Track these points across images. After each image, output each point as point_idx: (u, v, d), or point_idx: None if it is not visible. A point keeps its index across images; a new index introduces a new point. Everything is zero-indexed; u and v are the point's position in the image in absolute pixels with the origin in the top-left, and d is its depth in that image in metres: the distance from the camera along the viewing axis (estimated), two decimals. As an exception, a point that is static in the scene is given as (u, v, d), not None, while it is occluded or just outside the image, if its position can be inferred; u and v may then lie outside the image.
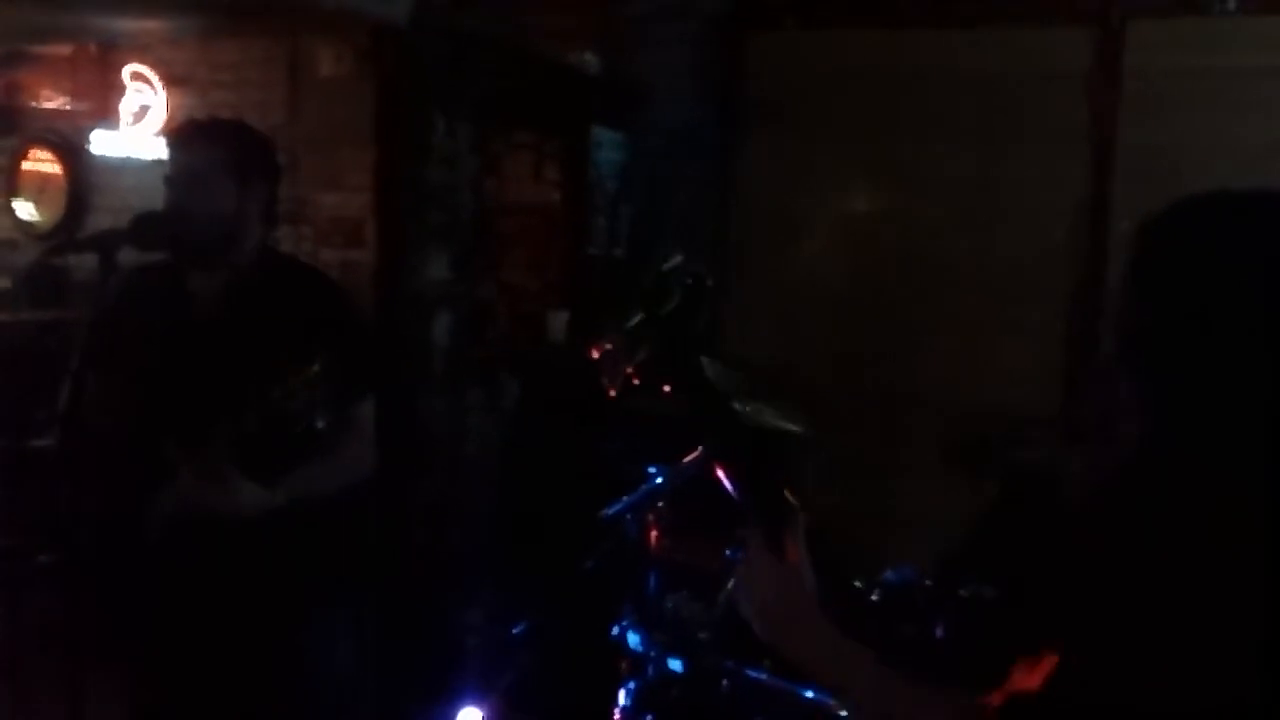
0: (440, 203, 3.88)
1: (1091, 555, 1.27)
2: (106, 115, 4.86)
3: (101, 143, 4.78)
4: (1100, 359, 1.26)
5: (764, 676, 2.72)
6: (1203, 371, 1.26)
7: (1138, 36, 4.14)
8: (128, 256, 2.27)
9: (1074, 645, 1.25)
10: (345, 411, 2.42)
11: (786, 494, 2.27)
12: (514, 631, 3.48)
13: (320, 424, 2.24)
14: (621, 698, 2.91)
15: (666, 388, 2.77)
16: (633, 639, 2.92)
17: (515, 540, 4.00)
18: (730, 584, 2.87)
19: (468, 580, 3.98)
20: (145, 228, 2.31)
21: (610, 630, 3.13)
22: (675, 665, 2.76)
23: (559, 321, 4.63)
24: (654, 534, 2.94)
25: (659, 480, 2.97)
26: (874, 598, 2.57)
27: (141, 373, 2.37)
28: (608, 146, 4.83)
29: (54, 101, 5.16)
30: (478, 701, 3.40)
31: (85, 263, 2.24)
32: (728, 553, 2.96)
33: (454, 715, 3.38)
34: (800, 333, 4.68)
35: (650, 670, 2.85)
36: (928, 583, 2.56)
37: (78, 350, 2.03)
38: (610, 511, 3.03)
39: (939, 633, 2.48)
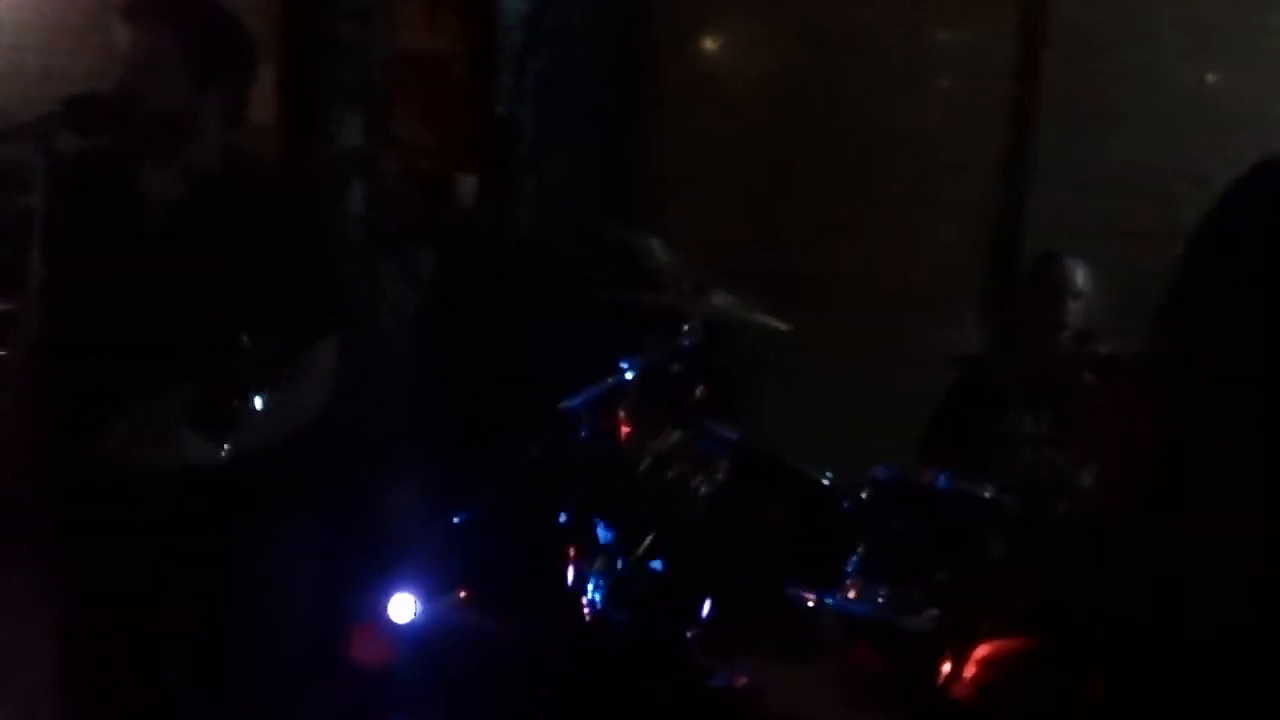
0: (352, 62, 3.58)
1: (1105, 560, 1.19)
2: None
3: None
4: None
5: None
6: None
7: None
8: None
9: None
10: (304, 351, 2.22)
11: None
12: (456, 520, 3.40)
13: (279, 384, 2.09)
14: (590, 590, 2.87)
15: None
16: (603, 535, 2.87)
17: (445, 421, 3.87)
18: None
19: (394, 462, 3.83)
20: (85, 110, 2.03)
21: (555, 518, 3.08)
22: (655, 565, 2.73)
23: (468, 185, 4.39)
24: (624, 429, 2.87)
25: (627, 376, 2.90)
26: (863, 495, 2.56)
27: (90, 288, 2.11)
28: (513, -6, 4.53)
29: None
30: (411, 587, 3.33)
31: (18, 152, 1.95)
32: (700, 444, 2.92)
33: (387, 601, 3.31)
34: (717, 204, 4.56)
35: (621, 564, 2.82)
36: (917, 480, 2.57)
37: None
38: (571, 404, 2.94)
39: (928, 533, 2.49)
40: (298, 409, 2.27)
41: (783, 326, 2.83)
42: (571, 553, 3.03)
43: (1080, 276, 3.02)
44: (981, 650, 1.29)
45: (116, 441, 2.08)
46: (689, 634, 2.75)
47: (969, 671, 1.31)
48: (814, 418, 3.82)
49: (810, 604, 2.61)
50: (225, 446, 2.12)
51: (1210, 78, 3.81)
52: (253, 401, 2.09)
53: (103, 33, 2.16)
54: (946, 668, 1.74)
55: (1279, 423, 1.09)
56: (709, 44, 4.65)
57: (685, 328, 2.85)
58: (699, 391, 3.19)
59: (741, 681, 2.54)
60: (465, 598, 3.42)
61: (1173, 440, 1.20)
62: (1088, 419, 2.66)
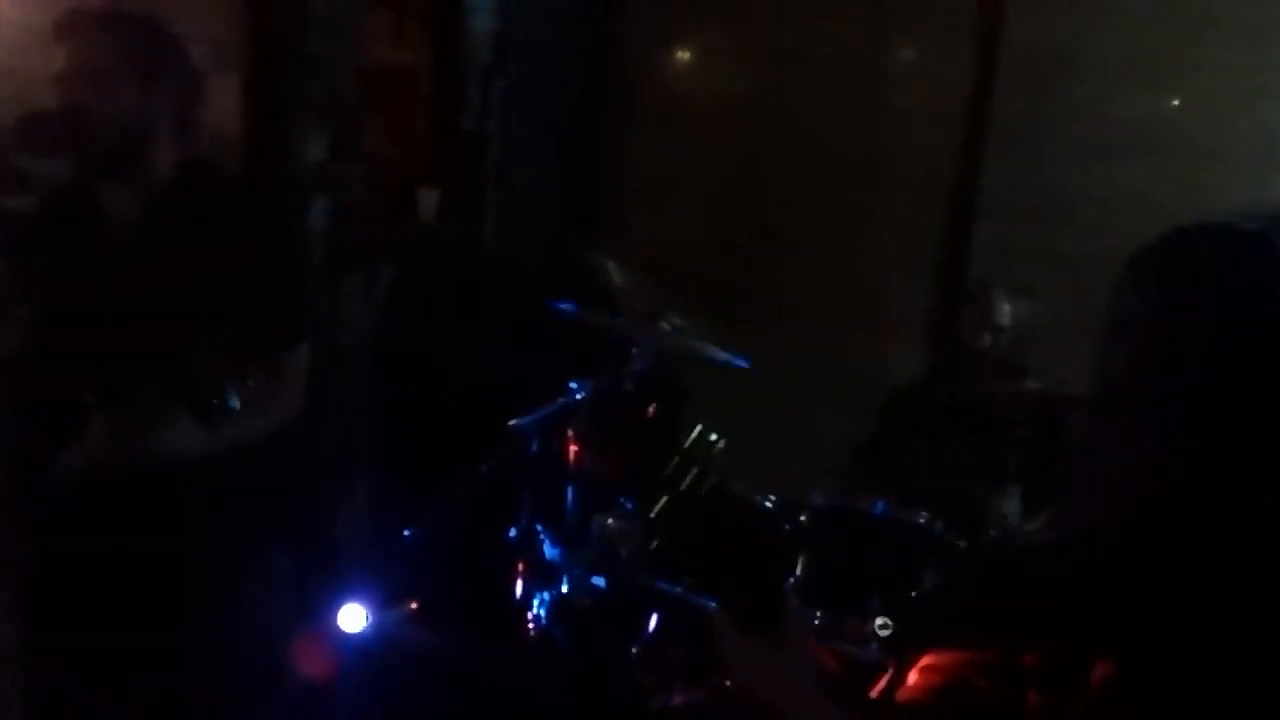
0: (320, 75, 3.60)
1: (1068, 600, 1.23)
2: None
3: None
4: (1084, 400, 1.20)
5: (680, 591, 2.77)
6: (1209, 411, 1.22)
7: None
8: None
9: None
10: (278, 359, 2.26)
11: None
12: (405, 534, 3.42)
13: (251, 383, 2.07)
14: (535, 607, 2.91)
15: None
16: (549, 552, 2.91)
17: (398, 437, 3.89)
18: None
19: (347, 477, 3.85)
20: (38, 129, 2.07)
21: (504, 535, 3.12)
22: (598, 582, 2.77)
23: (431, 199, 4.42)
24: (573, 450, 2.91)
25: (577, 396, 2.94)
26: (802, 519, 2.61)
27: (59, 309, 2.14)
28: (480, 11, 4.56)
29: None
30: (361, 598, 3.35)
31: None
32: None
33: (337, 612, 3.32)
34: (675, 218, 4.62)
35: (567, 584, 2.85)
36: (854, 507, 2.62)
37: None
38: (521, 423, 2.98)
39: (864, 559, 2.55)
40: (272, 415, 2.31)
41: (725, 357, 2.88)
42: (520, 568, 3.07)
43: (1008, 311, 3.11)
44: (929, 659, 1.33)
45: (104, 428, 2.09)
46: (631, 651, 2.79)
47: (918, 682, 1.35)
48: (766, 432, 3.89)
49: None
50: (209, 436, 2.13)
51: (1151, 108, 3.89)
52: (230, 400, 2.08)
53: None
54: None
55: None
56: (675, 62, 4.71)
57: (635, 351, 2.90)
58: (650, 410, 3.24)
59: (679, 700, 2.59)
60: (415, 610, 3.44)
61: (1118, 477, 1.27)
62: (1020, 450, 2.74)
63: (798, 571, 2.58)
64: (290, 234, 2.48)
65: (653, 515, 2.77)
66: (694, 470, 2.82)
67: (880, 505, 2.61)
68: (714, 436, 2.93)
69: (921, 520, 2.57)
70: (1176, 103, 3.85)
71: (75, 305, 2.17)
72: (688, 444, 2.92)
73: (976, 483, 2.83)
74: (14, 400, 2.10)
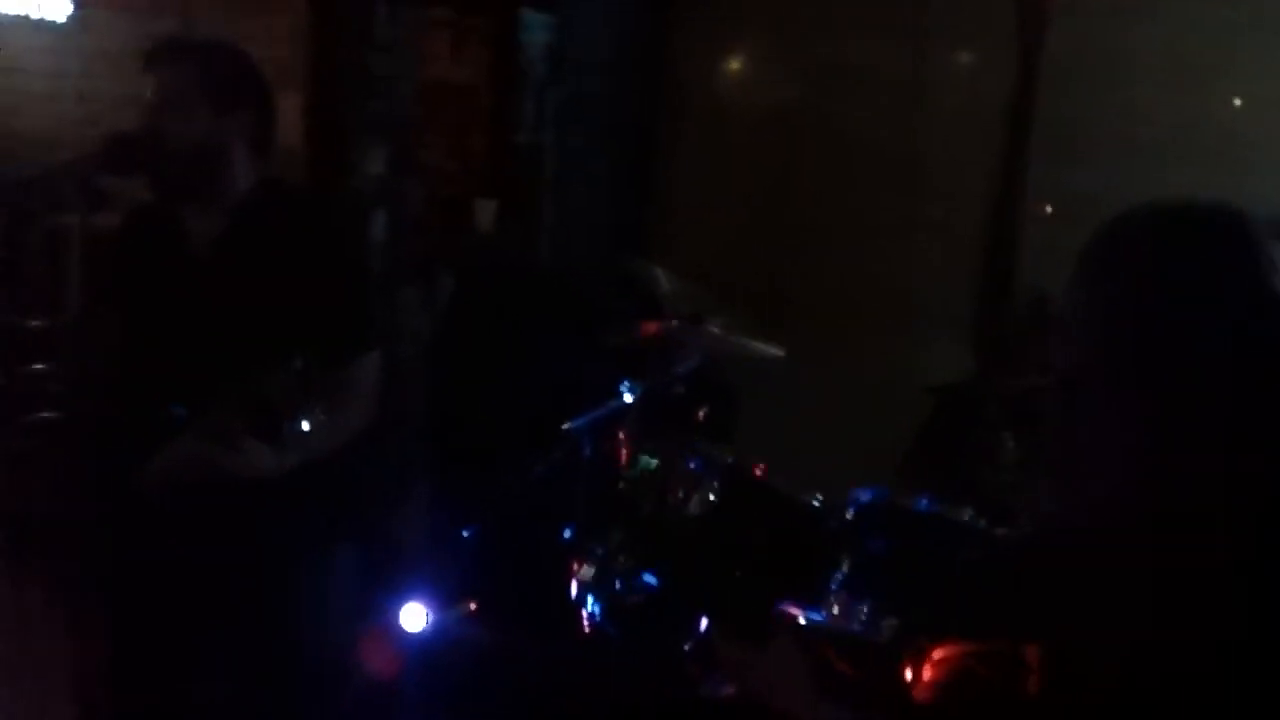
0: (380, 93, 3.74)
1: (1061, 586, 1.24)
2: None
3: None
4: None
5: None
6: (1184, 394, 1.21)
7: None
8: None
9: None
10: (348, 368, 2.32)
11: None
12: (463, 534, 3.52)
13: (320, 408, 2.11)
14: (589, 605, 3.00)
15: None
16: (601, 550, 3.00)
17: (457, 442, 4.00)
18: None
19: (409, 481, 3.97)
20: (121, 152, 2.19)
21: (559, 535, 3.20)
22: (649, 580, 2.85)
23: (487, 210, 4.55)
24: (624, 450, 3.00)
25: (627, 399, 3.03)
26: (848, 516, 2.67)
27: (142, 322, 2.25)
28: (535, 28, 4.69)
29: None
30: (423, 597, 3.45)
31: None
32: (691, 464, 3.04)
33: (398, 611, 3.43)
34: (723, 227, 4.71)
35: (618, 583, 2.94)
36: (898, 502, 2.67)
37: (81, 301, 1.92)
38: (574, 425, 3.08)
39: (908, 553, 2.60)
40: (345, 424, 2.34)
41: (775, 352, 2.95)
42: (575, 567, 3.16)
43: None
44: (938, 652, 1.37)
45: (182, 446, 2.15)
46: (685, 647, 2.86)
47: (926, 673, 1.38)
48: (814, 434, 3.95)
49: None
50: (282, 455, 2.16)
51: (1195, 112, 3.92)
52: (300, 423, 2.11)
53: (136, 59, 2.32)
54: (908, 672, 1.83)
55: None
56: (723, 75, 4.80)
57: (682, 355, 2.98)
58: (701, 413, 3.32)
59: (729, 690, 2.65)
60: (474, 610, 3.54)
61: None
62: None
63: (843, 568, 2.64)
64: (358, 248, 2.55)
65: (610, 547, 2.84)
66: (648, 497, 2.87)
67: (924, 501, 2.67)
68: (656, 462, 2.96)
69: (966, 516, 2.63)
70: (1220, 106, 3.87)
71: (157, 320, 2.28)
72: (630, 473, 2.96)
73: (1020, 478, 2.88)
74: (98, 412, 2.20)
